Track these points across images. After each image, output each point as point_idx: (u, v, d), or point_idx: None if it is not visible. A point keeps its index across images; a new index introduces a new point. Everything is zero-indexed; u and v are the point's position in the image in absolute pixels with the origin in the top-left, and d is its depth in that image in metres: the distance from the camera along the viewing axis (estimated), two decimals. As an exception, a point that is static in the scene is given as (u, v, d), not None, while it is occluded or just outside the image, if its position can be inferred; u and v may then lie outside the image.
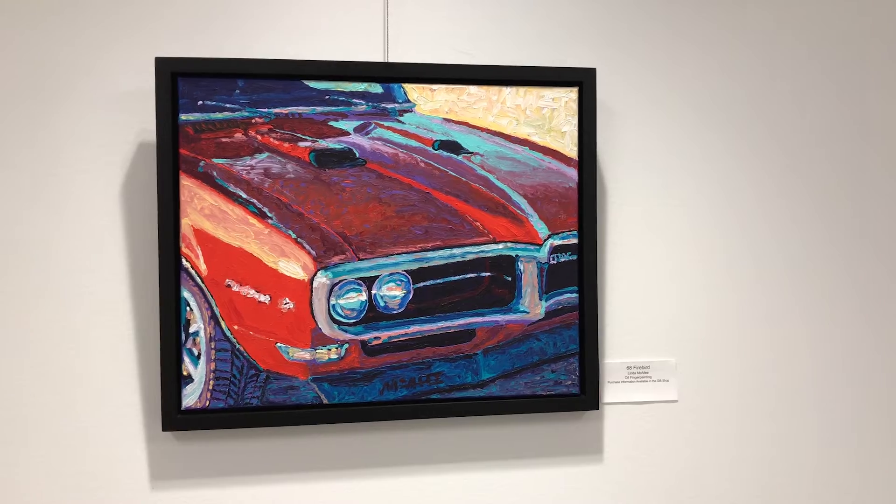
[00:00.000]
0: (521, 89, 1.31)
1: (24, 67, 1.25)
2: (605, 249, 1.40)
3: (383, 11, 1.34)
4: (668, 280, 1.42)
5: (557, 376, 1.33)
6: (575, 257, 1.33)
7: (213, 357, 1.24)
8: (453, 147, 1.30)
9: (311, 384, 1.26)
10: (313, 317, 1.25)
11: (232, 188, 1.24)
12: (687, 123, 1.43)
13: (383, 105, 1.28)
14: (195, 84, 1.22)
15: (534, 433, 1.38)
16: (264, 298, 1.24)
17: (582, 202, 1.33)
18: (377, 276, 1.27)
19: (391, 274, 1.28)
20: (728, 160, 1.44)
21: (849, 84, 1.49)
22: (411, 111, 1.29)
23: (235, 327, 1.24)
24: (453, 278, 1.30)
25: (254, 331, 1.24)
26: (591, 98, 1.32)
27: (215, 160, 1.23)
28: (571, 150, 1.33)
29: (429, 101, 1.29)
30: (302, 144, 1.25)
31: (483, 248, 1.31)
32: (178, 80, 1.22)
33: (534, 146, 1.32)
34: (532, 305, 1.32)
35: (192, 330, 1.23)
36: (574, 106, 1.33)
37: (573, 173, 1.33)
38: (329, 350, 1.26)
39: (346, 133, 1.27)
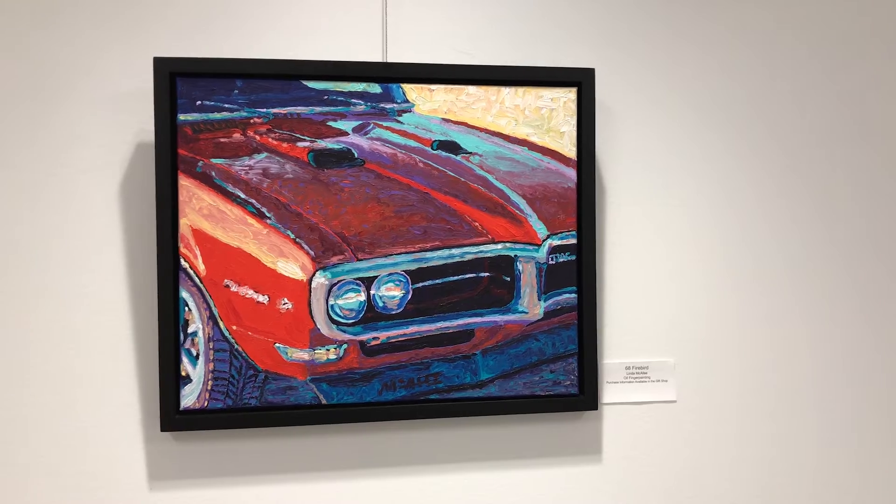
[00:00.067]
0: (520, 89, 1.31)
1: (24, 67, 1.25)
2: (603, 249, 1.40)
3: (382, 11, 1.34)
4: (668, 280, 1.42)
5: (556, 376, 1.33)
6: (574, 257, 1.33)
7: (211, 357, 1.24)
8: (452, 147, 1.30)
9: (309, 384, 1.26)
10: (312, 317, 1.25)
11: (230, 188, 1.24)
12: (687, 123, 1.43)
13: (382, 105, 1.28)
14: (193, 84, 1.22)
15: (533, 433, 1.38)
16: (263, 299, 1.24)
17: (581, 202, 1.33)
18: (376, 277, 1.27)
19: (390, 274, 1.28)
20: (728, 160, 1.44)
21: (849, 84, 1.48)
22: (410, 111, 1.29)
23: (234, 327, 1.24)
24: (452, 278, 1.30)
25: (252, 331, 1.24)
26: (589, 98, 1.32)
27: (214, 160, 1.23)
28: (570, 151, 1.33)
29: (427, 101, 1.29)
30: (300, 144, 1.25)
31: (482, 248, 1.30)
32: (177, 80, 1.22)
33: (532, 146, 1.32)
34: (531, 306, 1.32)
35: (190, 330, 1.23)
36: (573, 106, 1.32)
37: (572, 173, 1.33)
38: (328, 350, 1.26)
39: (345, 133, 1.27)
